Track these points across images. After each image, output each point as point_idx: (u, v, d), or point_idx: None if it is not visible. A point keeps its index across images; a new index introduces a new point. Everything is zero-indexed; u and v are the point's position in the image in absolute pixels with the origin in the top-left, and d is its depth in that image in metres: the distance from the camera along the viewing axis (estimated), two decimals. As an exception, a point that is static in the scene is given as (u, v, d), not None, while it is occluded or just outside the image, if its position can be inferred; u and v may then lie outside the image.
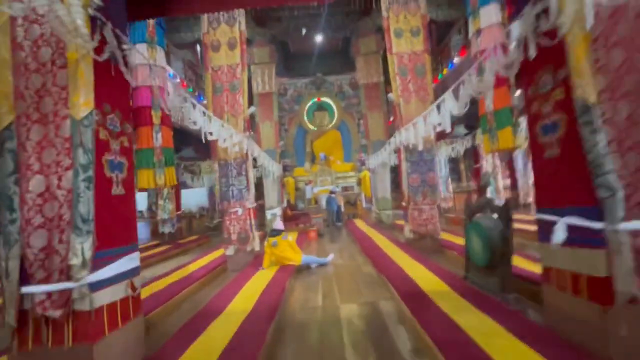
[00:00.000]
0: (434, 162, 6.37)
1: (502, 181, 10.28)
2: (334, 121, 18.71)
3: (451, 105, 4.63)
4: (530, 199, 13.59)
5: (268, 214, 9.99)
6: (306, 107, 18.79)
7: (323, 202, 14.74)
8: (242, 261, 6.23)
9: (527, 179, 13.30)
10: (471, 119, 10.81)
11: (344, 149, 18.51)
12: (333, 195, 11.95)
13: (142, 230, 11.40)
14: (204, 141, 5.57)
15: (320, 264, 6.00)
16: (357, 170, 17.12)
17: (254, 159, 7.71)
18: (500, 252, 3.49)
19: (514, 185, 10.77)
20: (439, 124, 5.27)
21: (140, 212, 13.80)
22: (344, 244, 8.20)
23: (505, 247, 3.46)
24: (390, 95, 6.64)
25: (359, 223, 11.18)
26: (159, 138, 6.55)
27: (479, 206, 4.06)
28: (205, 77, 6.81)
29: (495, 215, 3.74)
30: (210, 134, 5.04)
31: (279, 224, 5.82)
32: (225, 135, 5.79)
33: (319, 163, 16.98)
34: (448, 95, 4.56)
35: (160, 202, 10.32)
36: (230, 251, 6.33)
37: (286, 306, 4.07)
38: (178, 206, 10.66)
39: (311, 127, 18.67)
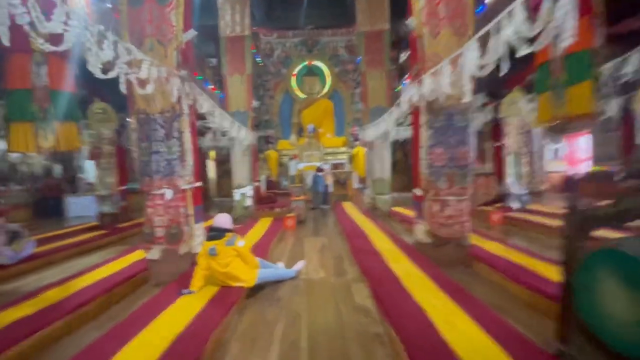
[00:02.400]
0: (467, 131, 4.07)
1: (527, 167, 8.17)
2: (326, 89, 16.10)
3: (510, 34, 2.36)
4: (543, 186, 11.54)
5: (236, 194, 7.70)
6: (295, 72, 16.07)
7: (309, 180, 12.47)
8: (170, 270, 3.97)
9: (543, 162, 11.18)
10: (494, 84, 8.46)
11: (335, 121, 16.04)
12: (320, 173, 9.65)
13: (90, 207, 8.97)
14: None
15: (284, 279, 3.79)
16: (350, 146, 14.76)
17: (202, 118, 5.28)
18: None
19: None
20: (482, 68, 2.99)
21: (89, 184, 11.34)
22: (328, 238, 5.99)
23: None
24: (411, 20, 4.20)
25: (349, 208, 8.98)
26: (42, 74, 4.05)
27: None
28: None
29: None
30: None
31: (221, 220, 3.49)
32: (144, 69, 3.38)
33: (306, 136, 14.53)
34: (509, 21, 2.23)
35: (98, 172, 7.88)
36: (154, 254, 4.04)
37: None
38: (123, 179, 8.24)
39: (300, 94, 16.04)
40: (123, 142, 8.29)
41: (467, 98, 3.04)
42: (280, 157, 14.14)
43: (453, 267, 4.03)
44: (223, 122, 5.61)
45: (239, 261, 3.38)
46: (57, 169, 12.05)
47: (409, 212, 7.83)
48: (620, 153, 8.96)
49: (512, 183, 7.64)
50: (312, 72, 16.04)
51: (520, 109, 7.75)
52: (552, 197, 11.15)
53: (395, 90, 8.53)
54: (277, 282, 3.73)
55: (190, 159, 4.13)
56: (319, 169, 9.79)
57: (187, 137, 4.09)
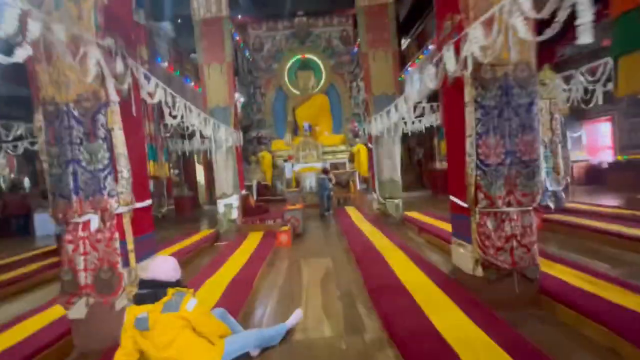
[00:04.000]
0: (533, 110, 2.72)
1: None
2: (321, 84, 14.72)
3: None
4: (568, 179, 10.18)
5: (220, 205, 6.33)
6: (287, 66, 14.69)
7: (306, 184, 11.10)
8: (101, 333, 2.60)
9: (567, 151, 9.80)
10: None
11: (333, 117, 14.67)
12: (325, 176, 8.21)
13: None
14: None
15: (270, 344, 2.43)
16: (349, 144, 13.40)
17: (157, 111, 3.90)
18: None
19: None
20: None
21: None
22: (332, 260, 4.62)
23: None
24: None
25: (354, 215, 7.61)
26: None
27: None
28: None
29: None
30: None
31: (159, 268, 2.09)
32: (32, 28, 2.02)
33: (302, 135, 13.17)
34: None
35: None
36: (77, 310, 2.67)
37: None
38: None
39: (293, 90, 14.65)
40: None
41: (587, 38, 1.67)
42: (275, 158, 12.77)
43: (516, 309, 2.69)
44: (191, 118, 4.24)
45: (189, 335, 2.00)
46: (27, 182, 10.67)
47: (424, 217, 6.48)
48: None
49: (548, 178, 6.28)
50: (305, 66, 14.67)
51: (552, 91, 6.40)
52: (578, 191, 9.84)
53: (399, 79, 7.17)
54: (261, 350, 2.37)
55: (126, 169, 2.75)
56: (324, 170, 8.35)
57: (119, 137, 2.71)
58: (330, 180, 8.14)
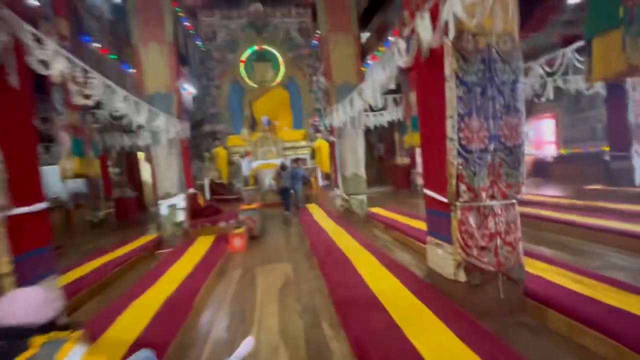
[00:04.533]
0: (517, 88, 2.37)
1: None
2: (280, 77, 14.00)
3: None
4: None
5: (162, 207, 5.46)
6: (243, 58, 13.76)
7: (265, 181, 10.40)
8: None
9: None
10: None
11: (293, 112, 14.04)
12: (295, 166, 7.32)
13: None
14: None
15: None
16: (310, 139, 12.88)
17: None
18: None
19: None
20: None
21: None
22: (293, 266, 4.05)
23: None
24: None
25: (317, 213, 7.10)
26: None
27: None
28: None
29: None
30: None
31: (16, 310, 1.37)
32: None
33: (260, 130, 12.39)
34: None
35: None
36: None
37: None
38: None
39: (250, 83, 13.78)
40: None
41: None
42: (231, 155, 11.86)
43: (502, 317, 2.33)
44: (114, 101, 3.39)
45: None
46: None
47: (390, 214, 6.16)
48: (608, 134, 8.06)
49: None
50: (263, 57, 13.86)
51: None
52: (527, 183, 10.27)
53: (361, 68, 6.76)
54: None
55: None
56: (296, 160, 7.53)
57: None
58: (302, 171, 7.35)
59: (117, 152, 9.65)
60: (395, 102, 7.35)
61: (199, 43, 13.28)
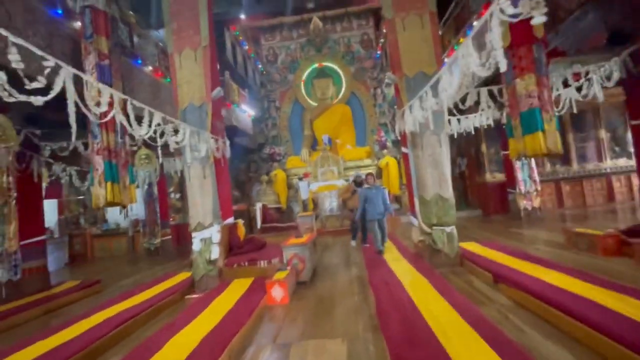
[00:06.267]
0: None
1: None
2: (342, 93, 12.87)
3: None
4: None
5: (194, 241, 4.45)
6: (303, 77, 13.09)
7: (325, 205, 9.07)
8: None
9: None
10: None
11: (356, 129, 12.70)
12: (372, 184, 5.40)
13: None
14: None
15: None
16: (376, 157, 11.29)
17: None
18: None
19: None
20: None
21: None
22: (347, 347, 2.48)
23: None
24: None
25: (387, 250, 5.38)
26: None
27: None
28: None
29: None
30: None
31: None
32: None
33: (321, 149, 11.26)
34: None
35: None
36: None
37: None
38: (34, 228, 5.28)
39: (310, 101, 12.94)
40: (33, 170, 5.45)
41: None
42: (290, 177, 10.90)
43: None
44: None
45: None
46: None
47: (495, 255, 4.16)
48: None
49: None
50: (323, 74, 12.99)
51: None
52: None
53: (442, 56, 5.07)
54: None
55: None
56: (367, 175, 5.52)
57: None
58: (384, 192, 5.20)
59: (178, 177, 9.39)
60: (492, 97, 5.30)
61: (260, 66, 13.06)
